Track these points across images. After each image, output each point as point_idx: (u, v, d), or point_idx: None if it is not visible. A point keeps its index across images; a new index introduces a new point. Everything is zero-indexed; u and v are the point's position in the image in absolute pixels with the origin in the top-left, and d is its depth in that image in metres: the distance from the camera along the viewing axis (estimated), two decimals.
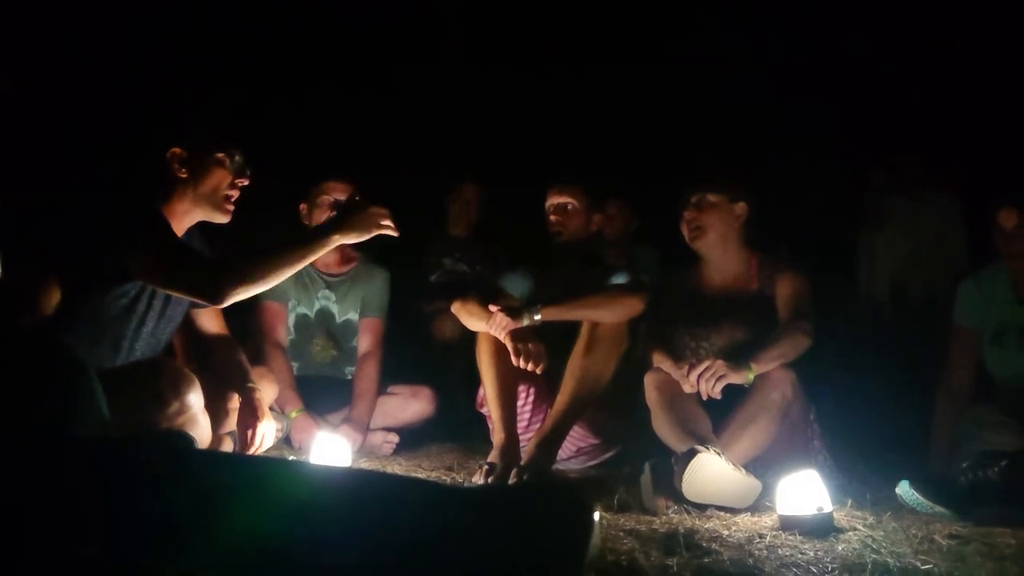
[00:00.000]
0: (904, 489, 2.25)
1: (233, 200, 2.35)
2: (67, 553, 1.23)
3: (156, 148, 2.29)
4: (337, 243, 2.25)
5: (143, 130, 2.40)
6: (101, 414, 1.61)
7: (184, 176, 2.29)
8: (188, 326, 2.53)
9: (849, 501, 2.27)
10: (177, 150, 2.29)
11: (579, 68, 4.92)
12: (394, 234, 2.30)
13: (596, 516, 1.19)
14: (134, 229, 2.14)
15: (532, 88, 4.90)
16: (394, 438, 3.17)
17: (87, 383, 1.60)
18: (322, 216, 3.17)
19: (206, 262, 2.26)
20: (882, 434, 2.90)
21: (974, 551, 1.85)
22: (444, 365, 3.72)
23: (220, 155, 2.31)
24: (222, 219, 2.35)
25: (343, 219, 2.26)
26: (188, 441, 1.95)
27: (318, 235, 2.24)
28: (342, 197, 3.17)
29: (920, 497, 2.21)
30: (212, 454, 2.03)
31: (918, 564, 1.74)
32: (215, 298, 2.16)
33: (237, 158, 2.34)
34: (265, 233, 3.36)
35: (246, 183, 2.35)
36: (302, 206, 3.26)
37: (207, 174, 2.30)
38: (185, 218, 2.32)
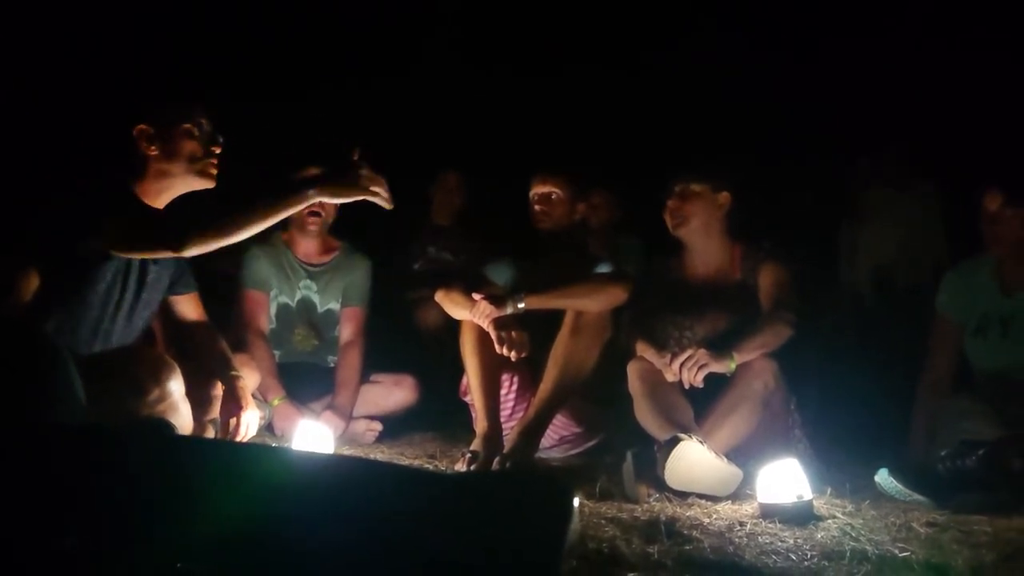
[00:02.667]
0: (883, 477, 2.27)
1: (215, 165, 2.30)
2: (45, 544, 1.22)
3: (123, 128, 2.25)
4: (313, 199, 2.02)
5: (111, 114, 2.36)
6: (79, 401, 1.59)
7: (154, 152, 2.26)
8: (168, 314, 2.51)
9: (829, 489, 2.29)
10: (143, 127, 2.26)
11: (565, 62, 4.92)
12: (386, 205, 2.05)
13: (575, 502, 1.19)
14: (105, 208, 2.11)
15: (518, 80, 4.88)
16: (377, 426, 3.17)
17: (65, 370, 1.59)
18: None
19: (172, 218, 2.19)
20: (862, 423, 2.92)
21: (951, 538, 1.86)
22: (427, 354, 3.72)
23: (187, 125, 2.27)
24: (207, 184, 2.30)
25: (327, 175, 2.03)
26: (169, 429, 1.94)
27: (294, 188, 2.02)
28: None
29: (899, 485, 2.23)
30: (193, 441, 2.01)
31: (896, 551, 1.76)
32: (179, 247, 2.07)
33: (205, 126, 2.30)
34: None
35: (219, 150, 2.30)
36: None
37: (177, 147, 2.26)
38: (164, 194, 2.29)
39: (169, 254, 2.19)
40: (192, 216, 2.14)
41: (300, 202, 2.03)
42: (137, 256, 2.23)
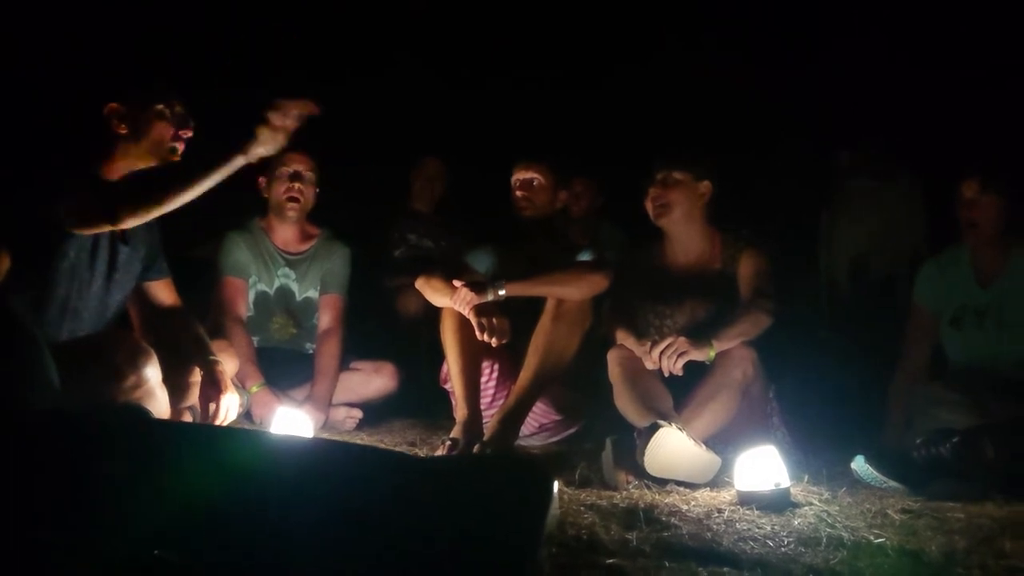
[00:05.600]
0: (859, 464, 2.28)
1: (179, 153, 2.29)
2: (16, 532, 1.20)
3: (94, 105, 2.23)
4: (241, 163, 2.10)
5: (82, 91, 2.35)
6: (52, 386, 1.57)
7: (124, 132, 2.24)
8: (143, 300, 2.49)
9: (806, 477, 2.31)
10: (115, 105, 2.24)
11: (548, 51, 4.90)
12: (311, 110, 2.11)
13: (555, 487, 1.19)
14: (65, 183, 2.11)
15: (500, 68, 4.86)
16: (357, 413, 3.16)
17: (37, 353, 1.57)
18: (281, 188, 3.15)
19: (108, 189, 2.21)
20: (839, 412, 2.94)
21: (925, 525, 1.89)
22: (408, 341, 3.71)
23: (159, 107, 2.25)
24: None
25: (249, 138, 2.10)
26: (145, 415, 1.93)
27: (220, 156, 2.11)
28: (301, 168, 3.14)
29: (874, 472, 2.25)
30: (167, 424, 1.99)
31: (871, 538, 1.78)
32: (111, 218, 2.13)
33: (178, 109, 2.28)
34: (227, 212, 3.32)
35: (190, 135, 2.29)
36: (260, 179, 3.21)
37: (148, 128, 2.25)
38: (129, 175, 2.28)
39: (107, 227, 2.21)
40: (124, 188, 2.16)
41: (226, 165, 2.10)
42: (88, 231, 2.21)
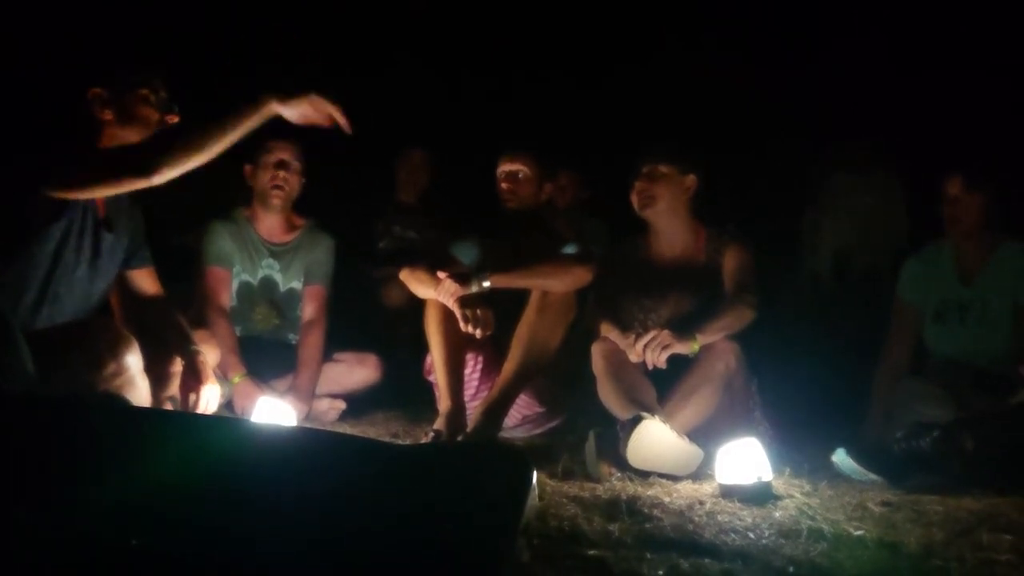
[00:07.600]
0: (840, 457, 2.30)
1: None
2: None
3: (77, 91, 2.20)
4: (272, 110, 2.07)
5: (65, 76, 2.32)
6: (25, 369, 1.56)
7: (109, 118, 2.22)
8: (125, 289, 2.46)
9: (787, 470, 2.32)
10: (97, 90, 2.21)
11: (535, 45, 4.89)
12: (343, 127, 2.14)
13: (534, 474, 1.19)
14: (58, 159, 2.08)
15: (486, 62, 4.85)
16: (340, 404, 3.15)
17: (9, 335, 1.55)
18: (266, 176, 3.12)
19: (132, 144, 2.17)
20: (821, 405, 2.96)
21: (904, 518, 1.90)
22: (392, 332, 3.70)
23: (143, 91, 2.23)
24: None
25: (286, 91, 2.10)
26: (124, 404, 1.91)
27: (251, 99, 2.08)
28: (286, 157, 3.11)
29: (855, 465, 2.27)
30: (145, 412, 1.97)
31: (851, 530, 1.79)
32: (147, 170, 2.07)
33: (162, 93, 2.26)
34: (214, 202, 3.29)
35: (176, 120, 2.27)
36: (247, 167, 3.19)
37: (132, 112, 2.22)
38: None
39: (140, 183, 2.13)
40: (153, 143, 2.12)
41: (258, 110, 2.08)
42: (99, 193, 2.18)
